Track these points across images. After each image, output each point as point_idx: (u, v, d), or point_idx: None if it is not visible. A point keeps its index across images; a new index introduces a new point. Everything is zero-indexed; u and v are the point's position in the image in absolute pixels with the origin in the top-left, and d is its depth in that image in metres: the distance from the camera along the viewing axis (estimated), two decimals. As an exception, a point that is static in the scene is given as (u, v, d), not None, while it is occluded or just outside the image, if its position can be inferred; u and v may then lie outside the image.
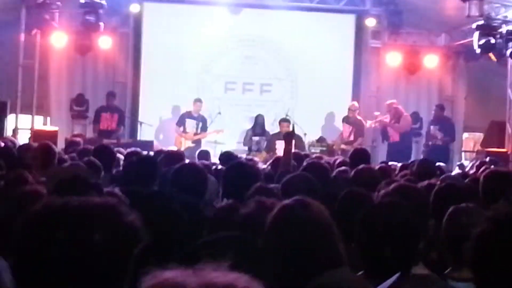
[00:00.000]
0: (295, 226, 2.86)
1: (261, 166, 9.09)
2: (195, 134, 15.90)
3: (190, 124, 15.98)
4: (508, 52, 14.81)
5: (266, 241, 2.89)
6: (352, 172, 6.44)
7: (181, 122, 16.07)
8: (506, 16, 14.99)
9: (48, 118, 16.82)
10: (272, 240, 2.89)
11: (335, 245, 2.84)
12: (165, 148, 12.72)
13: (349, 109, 16.38)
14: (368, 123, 16.29)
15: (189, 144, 15.68)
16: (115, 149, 9.80)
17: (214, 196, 5.64)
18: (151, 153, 11.88)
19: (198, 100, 16.08)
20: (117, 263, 1.80)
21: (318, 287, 2.70)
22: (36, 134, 14.99)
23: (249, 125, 16.42)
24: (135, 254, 1.83)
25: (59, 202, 1.86)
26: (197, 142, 15.79)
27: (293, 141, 8.39)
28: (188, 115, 16.08)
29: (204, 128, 16.01)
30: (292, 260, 2.81)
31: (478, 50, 15.14)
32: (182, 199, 4.14)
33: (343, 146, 15.69)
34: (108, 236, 1.79)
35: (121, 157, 9.39)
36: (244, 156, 12.62)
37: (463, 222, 3.66)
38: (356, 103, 16.56)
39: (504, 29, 14.87)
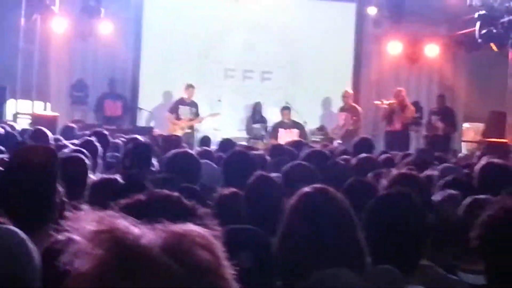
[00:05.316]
0: (316, 214, 2.81)
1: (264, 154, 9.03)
2: (190, 120, 15.78)
3: (184, 111, 15.78)
4: (509, 42, 14.78)
5: (284, 229, 2.85)
6: (354, 161, 6.41)
7: (174, 109, 15.86)
8: (508, 6, 14.94)
9: (48, 104, 16.78)
10: (291, 228, 2.84)
11: (356, 234, 2.79)
12: (164, 133, 12.67)
13: (343, 96, 16.26)
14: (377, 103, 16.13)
15: (185, 130, 15.49)
16: (116, 134, 9.79)
17: (216, 183, 5.63)
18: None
19: (190, 86, 15.86)
20: None
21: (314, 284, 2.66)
22: (36, 119, 14.95)
23: (247, 112, 16.41)
24: None
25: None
26: (192, 128, 15.68)
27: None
28: (181, 101, 15.91)
29: (197, 114, 15.88)
30: (310, 249, 2.76)
31: (479, 40, 15.11)
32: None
33: (336, 131, 15.63)
34: None
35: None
36: (244, 144, 12.58)
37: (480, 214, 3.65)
38: (349, 90, 16.47)
39: (506, 19, 14.83)
